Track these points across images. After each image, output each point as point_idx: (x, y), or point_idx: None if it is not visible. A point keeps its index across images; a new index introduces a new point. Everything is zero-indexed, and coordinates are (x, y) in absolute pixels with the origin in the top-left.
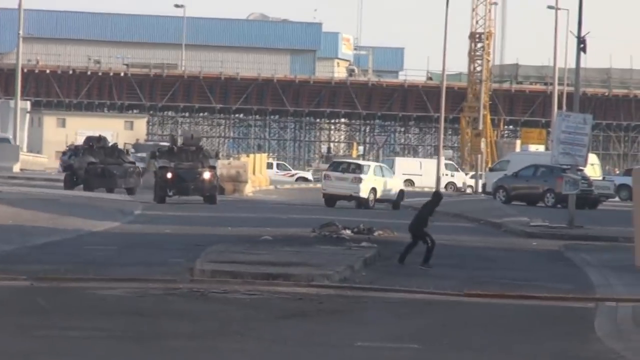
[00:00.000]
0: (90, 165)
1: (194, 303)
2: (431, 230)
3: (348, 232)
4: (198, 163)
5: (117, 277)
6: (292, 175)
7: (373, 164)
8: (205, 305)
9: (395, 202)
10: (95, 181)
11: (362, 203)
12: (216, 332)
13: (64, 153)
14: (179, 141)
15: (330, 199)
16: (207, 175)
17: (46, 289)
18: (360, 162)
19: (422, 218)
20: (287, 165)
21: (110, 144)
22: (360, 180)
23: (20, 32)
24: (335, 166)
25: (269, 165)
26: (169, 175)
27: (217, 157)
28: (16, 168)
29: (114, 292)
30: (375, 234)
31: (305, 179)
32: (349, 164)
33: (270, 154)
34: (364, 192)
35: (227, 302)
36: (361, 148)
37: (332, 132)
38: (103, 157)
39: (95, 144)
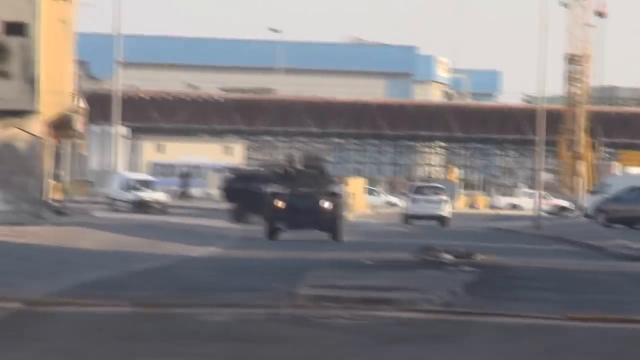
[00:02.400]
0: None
1: (297, 328)
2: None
3: (449, 256)
4: (319, 189)
5: (219, 302)
6: None
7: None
8: (307, 331)
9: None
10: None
11: (444, 222)
12: (320, 357)
13: (227, 180)
14: (296, 164)
15: (410, 218)
16: (327, 204)
17: (148, 315)
18: (440, 185)
19: None
20: (375, 189)
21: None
22: (444, 201)
23: (118, 58)
24: (419, 190)
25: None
26: (280, 204)
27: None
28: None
29: (216, 317)
30: (477, 258)
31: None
32: (432, 187)
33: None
34: (447, 212)
35: (329, 328)
36: (459, 171)
37: (430, 155)
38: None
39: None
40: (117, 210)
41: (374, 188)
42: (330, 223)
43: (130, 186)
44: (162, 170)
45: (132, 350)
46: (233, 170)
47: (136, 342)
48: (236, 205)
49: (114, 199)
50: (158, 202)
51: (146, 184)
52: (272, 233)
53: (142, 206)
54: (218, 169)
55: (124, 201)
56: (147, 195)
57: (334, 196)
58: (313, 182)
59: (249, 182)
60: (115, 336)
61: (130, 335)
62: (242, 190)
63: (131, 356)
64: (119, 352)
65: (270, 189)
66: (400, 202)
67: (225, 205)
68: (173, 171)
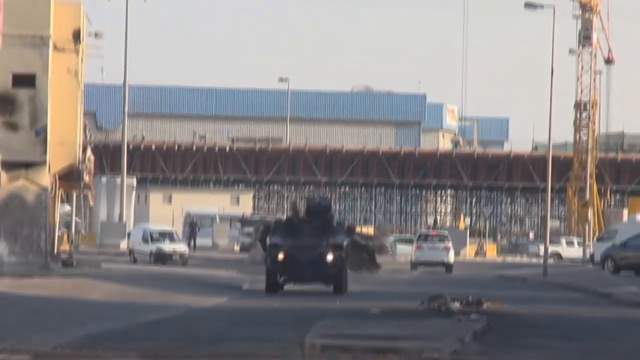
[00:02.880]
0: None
1: None
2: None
3: (457, 304)
4: (322, 240)
5: (228, 352)
6: None
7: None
8: None
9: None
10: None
11: (449, 268)
12: None
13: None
14: (301, 211)
15: (415, 265)
16: (329, 257)
17: None
18: (444, 232)
19: None
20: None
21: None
22: (448, 248)
23: (126, 108)
24: (424, 238)
25: None
26: (281, 256)
27: (349, 232)
28: (123, 245)
29: None
30: (484, 306)
31: None
32: (437, 234)
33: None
34: (451, 258)
35: None
36: (467, 219)
37: (438, 204)
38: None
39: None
40: (135, 262)
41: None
42: (334, 276)
43: (151, 238)
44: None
45: None
46: (271, 221)
47: None
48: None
49: (134, 251)
50: (178, 254)
51: (167, 236)
52: (273, 287)
53: (162, 258)
54: (225, 218)
55: (144, 253)
56: (167, 246)
57: (337, 248)
58: (317, 232)
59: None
60: None
61: None
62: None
63: None
64: None
65: (271, 240)
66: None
67: (236, 255)
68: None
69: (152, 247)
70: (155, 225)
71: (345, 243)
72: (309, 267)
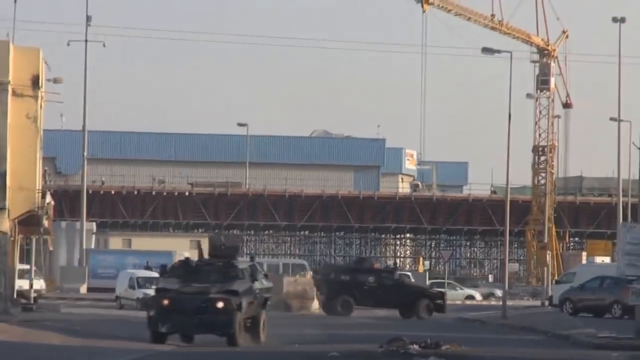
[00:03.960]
0: None
1: None
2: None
3: (415, 346)
4: (216, 285)
5: None
6: None
7: None
8: None
9: None
10: None
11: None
12: None
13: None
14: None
15: None
16: (219, 304)
17: None
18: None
19: None
20: None
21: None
22: None
23: (85, 153)
24: None
25: None
26: (165, 302)
27: (253, 277)
28: (83, 289)
29: None
30: (443, 348)
31: None
32: None
33: None
34: None
35: None
36: (427, 263)
37: (397, 247)
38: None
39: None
40: (122, 308)
41: None
42: (224, 326)
43: (138, 284)
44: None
45: None
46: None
47: None
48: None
49: (121, 297)
50: None
51: (153, 281)
52: (156, 337)
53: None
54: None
55: (131, 299)
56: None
57: (232, 294)
58: (214, 276)
59: (325, 274)
60: None
61: None
62: (321, 281)
63: None
64: None
65: (160, 283)
66: None
67: None
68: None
69: (138, 293)
70: (141, 271)
71: (242, 289)
72: (195, 315)
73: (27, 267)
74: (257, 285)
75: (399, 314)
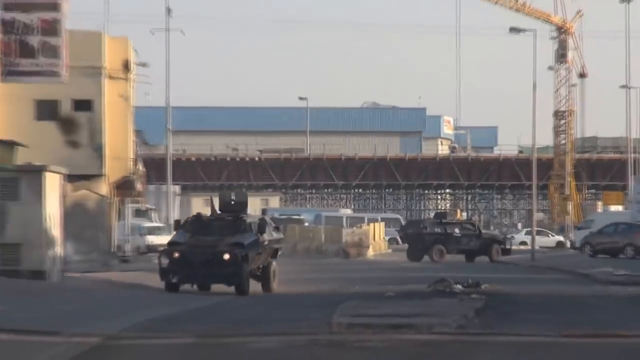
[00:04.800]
0: None
1: (335, 352)
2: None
3: (459, 286)
4: (223, 238)
5: (267, 332)
6: None
7: None
8: (344, 353)
9: None
10: None
11: None
12: None
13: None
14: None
15: None
16: (226, 256)
17: (208, 345)
18: None
19: None
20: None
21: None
22: None
23: (169, 126)
24: None
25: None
26: (175, 255)
27: (261, 230)
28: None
29: (266, 345)
30: (482, 287)
31: None
32: None
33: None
34: None
35: (362, 350)
36: (465, 214)
37: (438, 201)
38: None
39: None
40: None
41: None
42: (232, 276)
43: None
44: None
45: None
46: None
47: None
48: (410, 247)
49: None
50: None
51: None
52: (169, 287)
53: None
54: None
55: None
56: None
57: (238, 246)
58: (222, 230)
59: (419, 227)
60: None
61: None
62: (413, 234)
63: None
64: None
65: (173, 237)
66: None
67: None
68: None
69: None
70: None
71: (248, 241)
72: (203, 267)
73: (158, 224)
74: (265, 237)
75: (465, 258)
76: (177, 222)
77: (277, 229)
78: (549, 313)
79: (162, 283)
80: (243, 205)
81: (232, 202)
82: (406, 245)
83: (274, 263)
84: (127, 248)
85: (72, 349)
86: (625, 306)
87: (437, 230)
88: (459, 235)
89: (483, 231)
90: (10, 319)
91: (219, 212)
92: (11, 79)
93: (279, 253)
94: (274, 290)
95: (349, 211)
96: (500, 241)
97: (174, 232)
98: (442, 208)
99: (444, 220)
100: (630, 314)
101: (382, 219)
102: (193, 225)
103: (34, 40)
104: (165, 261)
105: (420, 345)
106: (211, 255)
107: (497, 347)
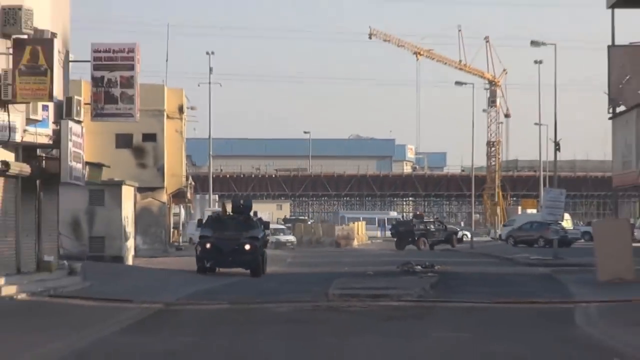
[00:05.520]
0: None
1: (331, 314)
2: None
3: (419, 267)
4: (242, 233)
5: (282, 300)
6: None
7: None
8: (338, 315)
9: None
10: None
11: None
12: (346, 330)
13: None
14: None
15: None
16: (247, 246)
17: (239, 309)
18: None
19: None
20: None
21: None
22: None
23: (210, 152)
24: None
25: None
26: (208, 245)
27: (266, 226)
28: None
29: (281, 309)
30: (436, 267)
31: None
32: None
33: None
34: None
35: (351, 313)
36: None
37: (404, 206)
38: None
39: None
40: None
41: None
42: (250, 262)
43: None
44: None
45: (231, 330)
46: (397, 220)
47: (234, 325)
48: (399, 239)
49: (191, 238)
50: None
51: None
52: (202, 270)
53: None
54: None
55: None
56: None
57: (254, 239)
58: (238, 227)
59: (406, 226)
60: (221, 322)
61: (230, 322)
62: (405, 230)
63: (233, 334)
64: (223, 331)
65: (202, 232)
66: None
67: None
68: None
69: None
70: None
71: (261, 235)
72: (230, 254)
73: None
74: (268, 232)
75: (429, 246)
76: (200, 220)
77: (266, 226)
78: (484, 286)
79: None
80: (248, 208)
81: (241, 206)
82: (382, 239)
83: (266, 251)
84: (180, 240)
85: (143, 312)
86: (538, 281)
87: (421, 227)
88: (434, 230)
89: (448, 227)
90: (97, 291)
91: (230, 212)
92: (99, 119)
93: (267, 244)
94: (266, 272)
95: (394, 213)
96: (457, 233)
97: (198, 228)
98: (408, 212)
99: (424, 220)
100: (542, 287)
101: (382, 217)
102: (214, 223)
103: (116, 91)
104: (200, 249)
105: (392, 310)
106: (236, 246)
107: (447, 310)
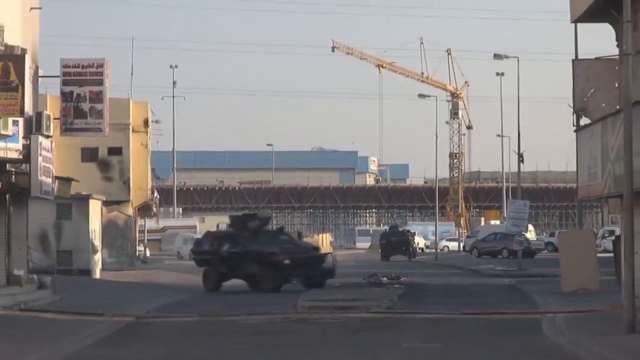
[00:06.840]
0: None
1: (301, 325)
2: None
3: (385, 279)
4: (302, 245)
5: (252, 312)
6: None
7: None
8: (307, 327)
9: None
10: None
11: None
12: (316, 342)
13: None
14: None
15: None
16: (328, 256)
17: (210, 321)
18: None
19: None
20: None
21: None
22: None
23: (174, 165)
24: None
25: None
26: (287, 262)
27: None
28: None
29: (251, 321)
30: (402, 279)
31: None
32: None
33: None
34: None
35: (319, 324)
36: (385, 227)
37: (367, 217)
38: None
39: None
40: (181, 259)
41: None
42: (332, 272)
43: (189, 242)
44: None
45: (202, 342)
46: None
47: (204, 337)
48: (382, 250)
49: (179, 252)
50: None
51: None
52: (279, 285)
53: None
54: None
55: (185, 252)
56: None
57: (317, 250)
58: (281, 240)
59: (400, 236)
60: (192, 334)
61: (200, 334)
62: (387, 242)
63: (202, 344)
64: (195, 343)
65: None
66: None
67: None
68: None
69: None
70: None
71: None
72: (314, 267)
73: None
74: None
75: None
76: (197, 239)
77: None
78: (451, 297)
79: (169, 278)
80: (265, 221)
81: (244, 223)
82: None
83: None
84: (147, 253)
85: (115, 325)
86: (503, 292)
87: (398, 238)
88: (406, 240)
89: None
90: (68, 305)
91: (230, 228)
92: (68, 134)
93: None
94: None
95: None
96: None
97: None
98: (370, 224)
99: (401, 230)
100: (508, 298)
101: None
102: (212, 237)
103: (85, 106)
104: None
105: (361, 321)
106: (316, 258)
107: (415, 321)
